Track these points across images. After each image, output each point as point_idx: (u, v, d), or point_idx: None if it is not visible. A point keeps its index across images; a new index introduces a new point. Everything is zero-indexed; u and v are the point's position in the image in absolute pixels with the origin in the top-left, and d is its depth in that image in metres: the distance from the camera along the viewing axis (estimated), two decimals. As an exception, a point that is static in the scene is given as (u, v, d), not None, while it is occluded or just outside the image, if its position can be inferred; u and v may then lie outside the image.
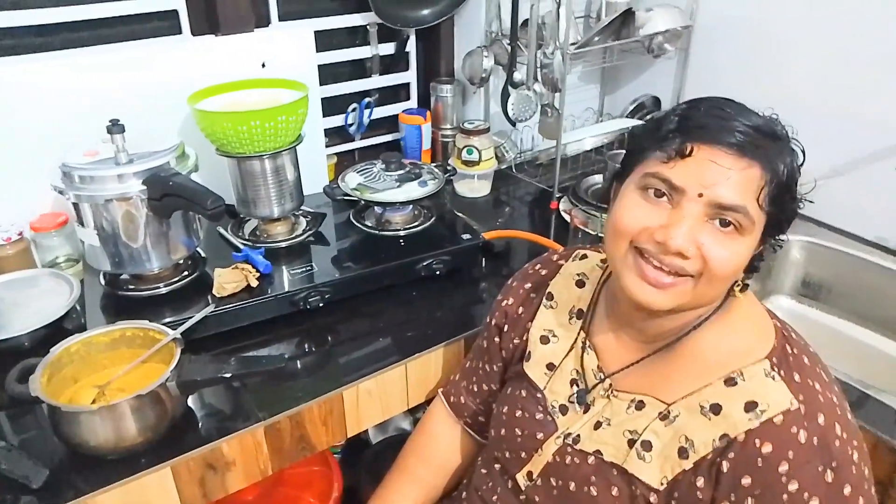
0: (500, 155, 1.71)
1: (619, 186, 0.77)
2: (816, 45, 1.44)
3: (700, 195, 0.68)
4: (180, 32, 1.38)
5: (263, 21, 1.46)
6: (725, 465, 0.70)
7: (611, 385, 0.83)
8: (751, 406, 0.70)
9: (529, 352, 0.92)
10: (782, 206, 0.70)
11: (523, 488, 0.88)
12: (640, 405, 0.79)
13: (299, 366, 1.09)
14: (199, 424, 0.97)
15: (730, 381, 0.73)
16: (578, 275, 0.93)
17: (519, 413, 0.90)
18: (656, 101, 1.80)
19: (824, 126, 1.44)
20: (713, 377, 0.74)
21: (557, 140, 1.55)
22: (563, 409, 0.86)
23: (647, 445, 0.76)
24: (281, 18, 1.49)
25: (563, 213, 1.53)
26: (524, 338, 0.94)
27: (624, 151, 0.80)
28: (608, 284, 0.88)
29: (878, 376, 1.06)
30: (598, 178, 1.62)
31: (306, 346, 1.13)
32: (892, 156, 1.37)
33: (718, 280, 0.70)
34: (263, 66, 1.40)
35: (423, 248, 1.27)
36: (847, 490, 0.68)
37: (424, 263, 1.25)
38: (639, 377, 0.81)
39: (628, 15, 1.58)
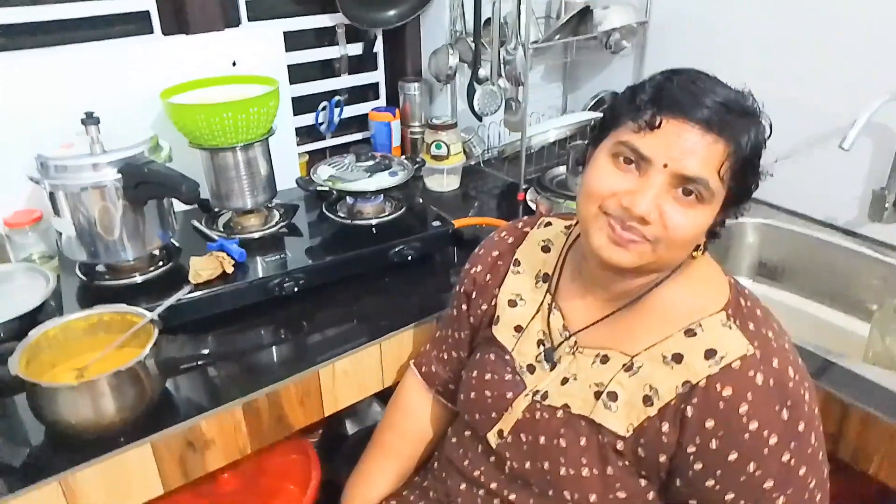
0: (468, 150, 1.76)
1: (593, 150, 0.81)
2: (762, 38, 1.52)
3: (665, 165, 0.72)
4: (151, 32, 1.41)
5: (233, 21, 1.50)
6: (689, 410, 0.74)
7: (576, 342, 0.87)
8: (710, 353, 0.75)
9: (498, 316, 0.95)
10: (743, 179, 0.74)
11: (494, 446, 0.91)
12: (604, 359, 0.83)
13: (276, 349, 1.11)
14: (179, 403, 0.99)
15: (690, 332, 0.77)
16: (544, 241, 0.97)
17: (488, 376, 0.93)
18: (615, 96, 1.87)
19: (773, 114, 1.51)
20: (674, 329, 0.79)
21: (522, 132, 1.60)
22: (531, 369, 0.90)
23: (613, 396, 0.80)
24: (250, 19, 1.52)
25: (529, 203, 1.58)
26: (492, 303, 0.97)
27: (601, 115, 0.85)
28: (573, 248, 0.92)
29: (832, 345, 1.12)
30: (562, 169, 1.68)
31: (283, 331, 1.16)
32: (835, 139, 1.44)
33: (677, 245, 0.75)
34: (234, 64, 1.43)
35: (395, 235, 1.30)
36: (801, 426, 0.74)
37: (396, 249, 1.29)
38: (603, 333, 0.85)
39: (586, 13, 1.65)
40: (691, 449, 0.75)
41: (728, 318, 0.77)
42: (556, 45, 1.71)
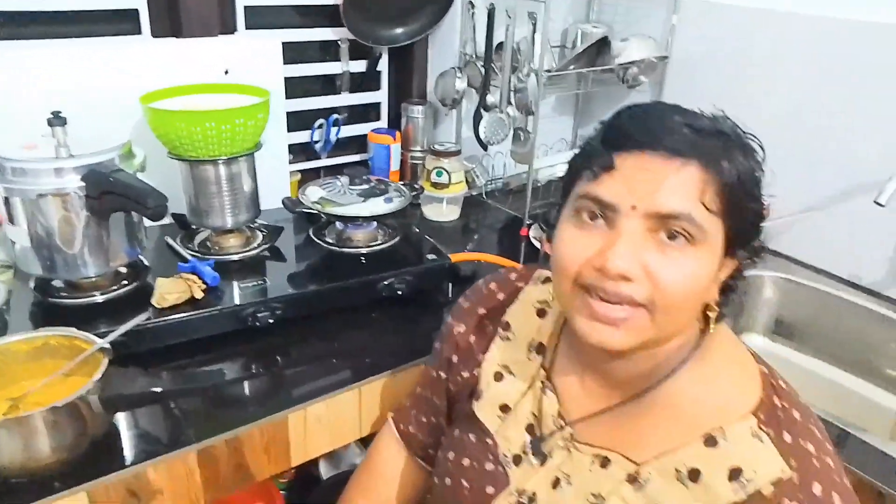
0: (471, 180, 1.67)
1: (557, 219, 0.69)
2: (790, 82, 1.43)
3: (633, 207, 0.59)
4: (140, 33, 1.32)
5: (229, 28, 1.41)
6: None
7: (572, 435, 0.72)
8: (735, 474, 0.61)
9: (481, 390, 0.80)
10: (739, 209, 0.61)
11: None
12: (604, 462, 0.69)
13: (242, 386, 1.00)
14: (124, 446, 0.87)
15: (710, 441, 0.63)
16: (540, 302, 0.82)
17: (466, 461, 0.79)
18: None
19: (798, 162, 1.43)
20: (691, 435, 0.64)
21: (529, 164, 1.51)
22: (517, 460, 0.75)
23: None
24: (248, 26, 1.44)
25: (533, 240, 1.48)
26: (475, 373, 0.82)
27: None
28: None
29: (854, 418, 1.01)
30: (570, 206, 1.58)
31: (253, 366, 1.04)
32: (864, 192, 1.35)
33: (675, 306, 0.61)
34: (227, 73, 1.34)
35: (386, 267, 1.20)
36: None
37: (386, 283, 1.18)
38: (604, 429, 0.70)
39: (604, 44, 1.57)
40: None
41: (759, 425, 0.62)
42: (569, 76, 1.62)
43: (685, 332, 0.67)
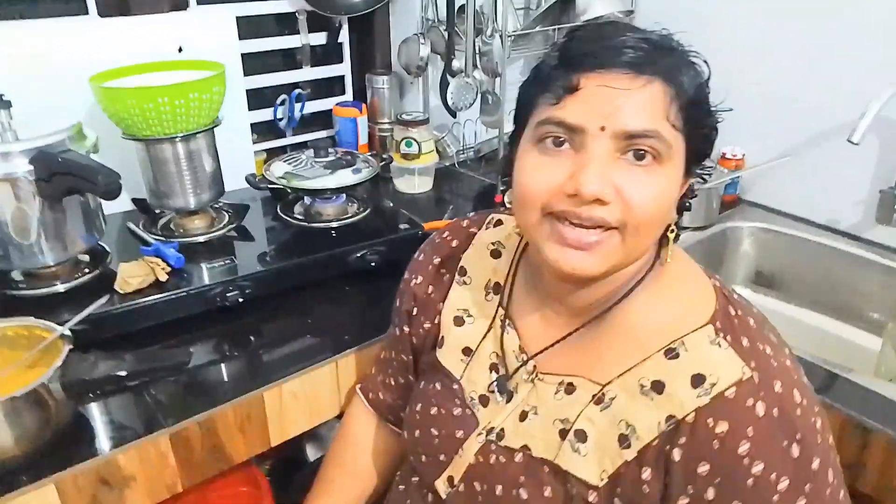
0: (442, 150, 1.64)
1: (515, 150, 0.66)
2: (757, 32, 1.41)
3: (602, 128, 0.57)
4: (87, 13, 1.26)
5: (181, 4, 1.35)
6: (677, 453, 0.60)
7: (535, 367, 0.72)
8: (698, 380, 0.61)
9: (442, 336, 0.80)
10: (698, 122, 0.61)
11: (444, 496, 0.76)
12: (569, 388, 0.68)
13: (214, 368, 0.97)
14: (92, 433, 0.84)
15: (671, 353, 0.63)
16: (493, 244, 0.81)
17: (434, 410, 0.78)
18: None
19: (767, 112, 1.42)
20: (651, 349, 0.64)
21: (500, 129, 1.48)
22: (484, 401, 0.75)
23: (582, 436, 0.66)
24: (200, 2, 1.38)
25: (508, 205, 1.45)
26: (436, 321, 0.81)
27: None
28: (527, 254, 0.77)
29: (839, 360, 1.01)
30: (544, 170, 1.55)
31: (224, 347, 1.01)
32: (837, 134, 1.34)
33: (647, 225, 0.60)
34: (181, 50, 1.30)
35: (357, 239, 1.17)
36: (815, 463, 0.60)
37: (358, 255, 1.15)
38: (567, 356, 0.70)
39: (568, 1, 1.54)
40: (683, 501, 0.61)
41: (717, 332, 0.62)
42: (535, 37, 1.59)
43: (644, 254, 0.66)
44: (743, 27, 1.43)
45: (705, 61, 0.63)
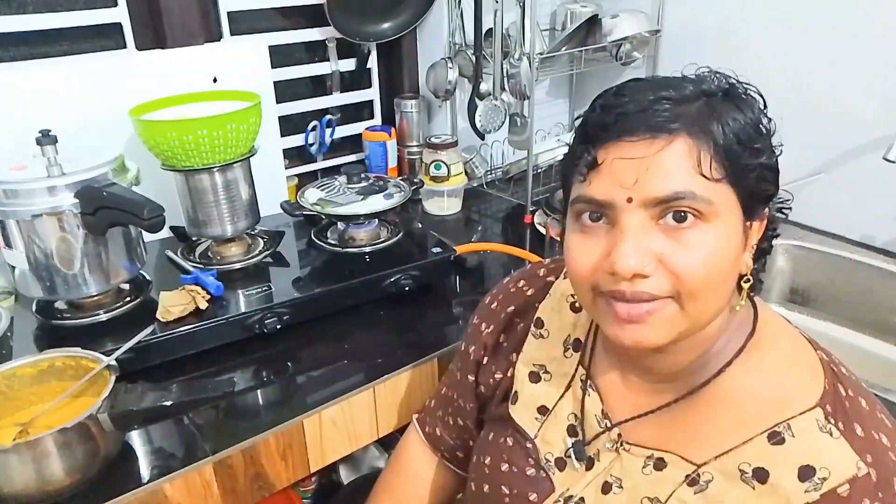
0: (470, 171, 1.65)
1: (563, 227, 0.66)
2: (787, 47, 1.41)
3: (629, 200, 0.55)
4: (125, 47, 1.30)
5: (214, 35, 1.39)
6: None
7: (620, 436, 0.67)
8: (806, 472, 0.56)
9: (516, 392, 0.76)
10: (744, 167, 0.56)
11: None
12: (659, 464, 0.64)
13: (254, 395, 0.98)
14: (138, 463, 0.86)
15: (775, 437, 0.58)
16: (573, 296, 0.77)
17: (505, 467, 0.74)
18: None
19: (801, 127, 1.40)
20: (753, 431, 0.59)
21: (529, 150, 1.48)
22: (560, 464, 0.71)
23: None
24: (233, 33, 1.42)
25: (537, 226, 1.46)
26: (509, 373, 0.78)
27: None
28: None
29: (876, 379, 0.99)
30: (573, 190, 1.55)
31: (263, 373, 1.02)
32: (870, 152, 1.32)
33: (702, 290, 0.56)
34: (215, 80, 1.32)
35: (391, 264, 1.18)
36: None
37: (392, 280, 1.16)
38: (655, 429, 0.66)
39: (594, 23, 1.55)
40: None
41: (827, 418, 0.57)
42: (561, 58, 1.60)
43: (724, 314, 0.62)
44: (773, 42, 1.42)
45: (758, 93, 0.60)
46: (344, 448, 1.00)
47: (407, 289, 1.16)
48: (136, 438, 0.90)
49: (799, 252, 1.41)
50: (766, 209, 0.61)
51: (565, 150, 0.65)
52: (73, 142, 1.01)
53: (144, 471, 0.84)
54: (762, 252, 0.63)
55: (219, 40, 1.40)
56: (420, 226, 1.34)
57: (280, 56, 1.49)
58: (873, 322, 1.33)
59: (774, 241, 0.66)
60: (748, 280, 0.61)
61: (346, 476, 1.51)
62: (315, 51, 1.59)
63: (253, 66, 1.37)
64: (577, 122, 0.62)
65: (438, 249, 1.23)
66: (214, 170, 1.12)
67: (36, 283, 1.00)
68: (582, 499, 0.68)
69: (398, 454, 0.95)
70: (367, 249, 1.22)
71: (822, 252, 1.38)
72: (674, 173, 0.54)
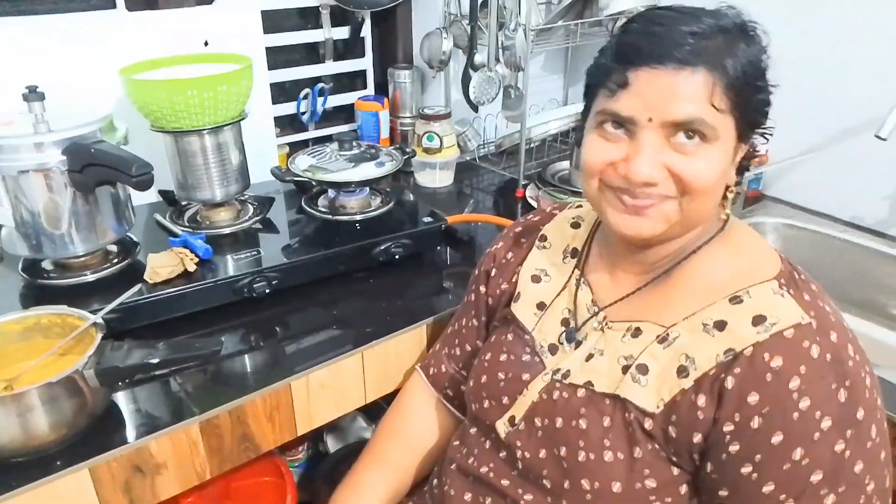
0: (463, 144, 1.64)
1: (582, 130, 0.75)
2: (786, 25, 1.39)
3: (650, 119, 0.65)
4: (114, 7, 1.27)
5: (206, -2, 1.37)
6: (730, 381, 0.64)
7: (605, 317, 0.77)
8: (759, 319, 0.65)
9: (518, 293, 0.86)
10: (746, 101, 0.66)
11: (503, 436, 0.80)
12: (636, 332, 0.73)
13: (242, 357, 0.98)
14: (125, 420, 0.86)
15: (735, 300, 0.67)
16: (574, 217, 0.89)
17: (503, 356, 0.83)
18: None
19: (793, 105, 1.39)
20: (717, 297, 0.69)
21: (522, 123, 1.48)
22: (553, 349, 0.80)
23: (643, 369, 0.70)
24: (226, -4, 1.39)
25: (529, 200, 1.45)
26: (513, 280, 0.89)
27: None
28: (601, 226, 0.84)
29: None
30: (565, 164, 1.55)
31: (252, 337, 1.02)
32: (863, 130, 1.33)
33: (701, 192, 0.66)
34: (206, 44, 1.31)
35: (381, 232, 1.17)
36: (860, 413, 0.63)
37: (382, 247, 1.15)
38: (636, 306, 0.76)
39: (591, -4, 1.54)
40: (728, 427, 0.64)
41: (780, 286, 0.67)
42: (557, 31, 1.58)
43: (711, 214, 0.72)
44: (769, 20, 1.41)
45: (764, 31, 0.69)
46: (331, 412, 1.00)
47: (397, 257, 1.16)
48: (122, 397, 0.89)
49: (789, 231, 1.42)
50: (753, 135, 0.71)
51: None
52: (61, 100, 0.99)
53: (130, 428, 0.84)
54: (743, 168, 0.73)
55: (211, 3, 1.37)
56: (411, 196, 1.33)
57: (272, 22, 1.47)
58: (860, 301, 1.35)
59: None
60: (732, 191, 0.72)
61: (332, 446, 1.51)
62: (308, 17, 1.57)
63: (245, 31, 1.36)
64: (615, 37, 0.69)
65: (429, 219, 1.23)
66: (205, 132, 1.11)
67: (22, 241, 0.99)
68: (568, 370, 0.77)
69: (400, 400, 1.01)
70: (358, 217, 1.21)
71: (811, 231, 1.39)
72: (691, 101, 0.63)
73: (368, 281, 1.16)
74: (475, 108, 1.56)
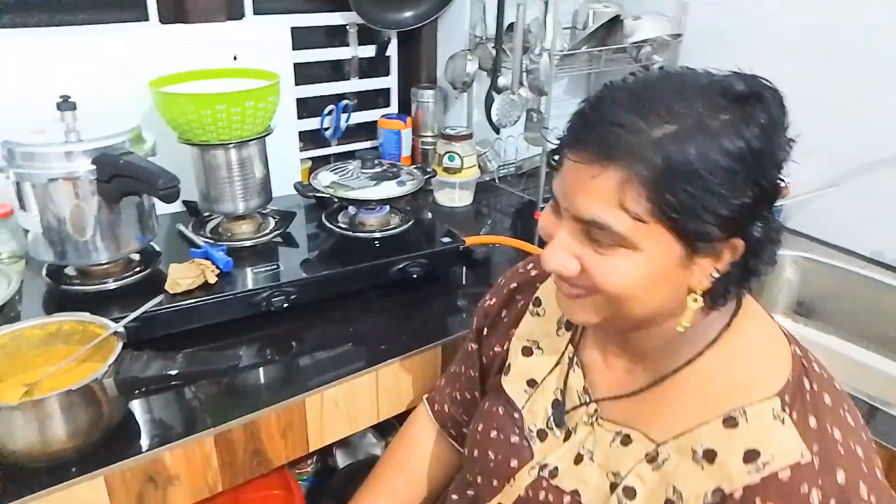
0: (483, 165, 1.65)
1: None
2: (807, 57, 1.40)
3: (566, 209, 0.60)
4: (147, 19, 1.30)
5: (237, 14, 1.39)
6: None
7: (596, 411, 0.71)
8: (751, 456, 0.57)
9: (509, 364, 0.81)
10: (682, 204, 0.54)
11: None
12: (625, 440, 0.67)
13: (258, 371, 0.99)
14: (140, 430, 0.86)
15: (729, 421, 0.60)
16: None
17: (494, 434, 0.78)
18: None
19: (816, 138, 1.38)
20: (711, 414, 0.61)
21: (543, 146, 1.48)
22: (542, 435, 0.75)
23: (630, 493, 0.64)
24: (256, 12, 1.42)
25: (547, 223, 1.46)
26: (505, 346, 0.83)
27: None
28: None
29: (881, 394, 0.99)
30: (585, 189, 1.55)
31: (268, 351, 1.03)
32: (886, 166, 1.32)
33: (622, 298, 0.59)
34: (235, 58, 1.33)
35: (399, 250, 1.18)
36: None
37: (399, 266, 1.16)
38: (628, 406, 0.69)
39: (616, 23, 1.54)
40: None
41: (783, 406, 0.58)
42: (581, 57, 1.59)
43: (678, 315, 0.62)
44: (793, 49, 1.41)
45: (780, 98, 0.60)
46: (344, 430, 1.01)
47: (414, 276, 1.17)
48: (138, 406, 0.90)
49: (807, 264, 1.41)
50: (737, 239, 0.58)
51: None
52: (92, 111, 1.01)
53: (146, 438, 0.85)
54: (750, 272, 0.61)
55: (241, 18, 1.40)
56: (430, 215, 1.34)
57: (300, 38, 1.49)
58: (878, 337, 1.33)
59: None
60: (696, 299, 0.61)
61: (342, 461, 1.51)
62: (335, 35, 1.59)
63: (274, 47, 1.38)
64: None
65: (448, 239, 1.23)
66: (230, 146, 1.13)
67: (48, 247, 1.00)
68: (556, 468, 0.72)
69: (406, 429, 0.99)
70: (377, 235, 1.22)
71: (830, 265, 1.38)
72: (594, 202, 0.57)
73: (385, 299, 1.17)
74: (497, 129, 1.57)
